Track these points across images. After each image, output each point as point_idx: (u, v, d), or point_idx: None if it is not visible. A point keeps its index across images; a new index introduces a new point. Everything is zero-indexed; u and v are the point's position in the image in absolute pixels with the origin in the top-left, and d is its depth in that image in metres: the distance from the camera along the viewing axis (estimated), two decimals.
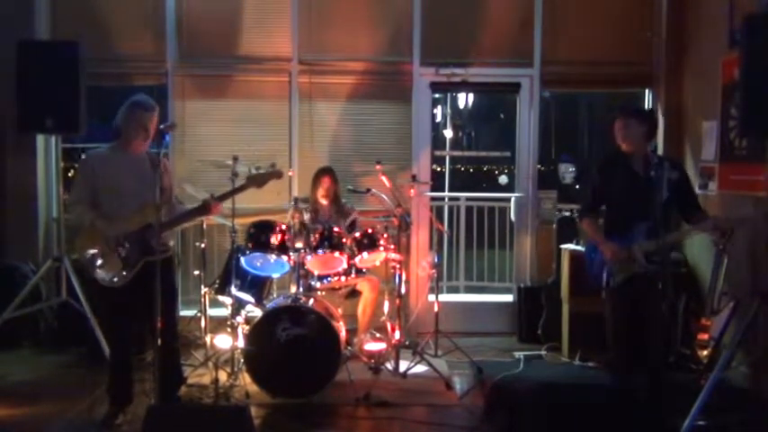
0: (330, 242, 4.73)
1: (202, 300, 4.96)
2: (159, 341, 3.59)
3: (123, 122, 3.94)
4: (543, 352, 5.43)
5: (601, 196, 4.23)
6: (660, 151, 5.75)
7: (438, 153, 6.93)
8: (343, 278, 4.91)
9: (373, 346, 5.07)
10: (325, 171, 5.36)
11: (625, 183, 4.08)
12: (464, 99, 9.32)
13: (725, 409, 3.78)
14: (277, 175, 4.26)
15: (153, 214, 3.80)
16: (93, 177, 3.91)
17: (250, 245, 4.68)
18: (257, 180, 4.18)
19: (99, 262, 3.86)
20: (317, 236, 4.74)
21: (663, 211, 3.83)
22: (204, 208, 4.03)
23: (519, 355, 5.29)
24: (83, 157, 4.21)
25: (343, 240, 4.79)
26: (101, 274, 3.88)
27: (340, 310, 4.91)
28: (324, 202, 5.31)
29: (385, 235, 4.92)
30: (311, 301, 4.49)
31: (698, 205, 4.15)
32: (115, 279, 3.85)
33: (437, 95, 6.76)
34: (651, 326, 3.95)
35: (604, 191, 4.19)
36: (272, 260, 4.69)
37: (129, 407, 3.99)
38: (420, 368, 4.88)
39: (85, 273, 3.97)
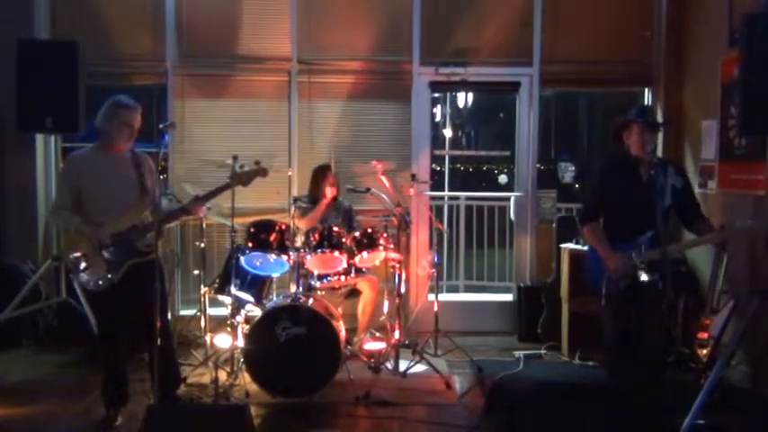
0: (330, 242, 4.73)
1: (202, 299, 4.96)
2: (158, 341, 3.57)
3: (105, 122, 3.87)
4: (543, 351, 5.43)
5: (602, 199, 4.03)
6: (660, 150, 5.73)
7: (437, 152, 6.91)
8: (342, 278, 4.91)
9: (373, 345, 5.07)
10: (329, 167, 5.38)
11: (628, 187, 3.91)
12: (463, 98, 9.31)
13: (725, 407, 3.78)
14: (262, 172, 4.16)
15: (137, 215, 3.78)
16: (77, 179, 3.85)
17: (250, 244, 4.67)
18: (242, 178, 4.10)
19: (83, 265, 3.79)
20: (316, 235, 4.74)
21: (665, 217, 3.77)
22: (185, 209, 4.00)
23: (519, 354, 5.29)
24: (66, 159, 4.15)
25: (343, 240, 4.79)
26: (85, 277, 3.81)
27: (340, 310, 4.91)
28: (329, 195, 5.29)
29: (385, 234, 4.92)
30: (311, 301, 4.49)
31: (699, 212, 4.00)
32: (100, 282, 3.78)
33: (436, 95, 6.75)
34: (651, 328, 3.91)
35: (606, 193, 4.01)
36: (271, 260, 4.69)
37: (125, 407, 3.97)
38: (420, 367, 4.88)
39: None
